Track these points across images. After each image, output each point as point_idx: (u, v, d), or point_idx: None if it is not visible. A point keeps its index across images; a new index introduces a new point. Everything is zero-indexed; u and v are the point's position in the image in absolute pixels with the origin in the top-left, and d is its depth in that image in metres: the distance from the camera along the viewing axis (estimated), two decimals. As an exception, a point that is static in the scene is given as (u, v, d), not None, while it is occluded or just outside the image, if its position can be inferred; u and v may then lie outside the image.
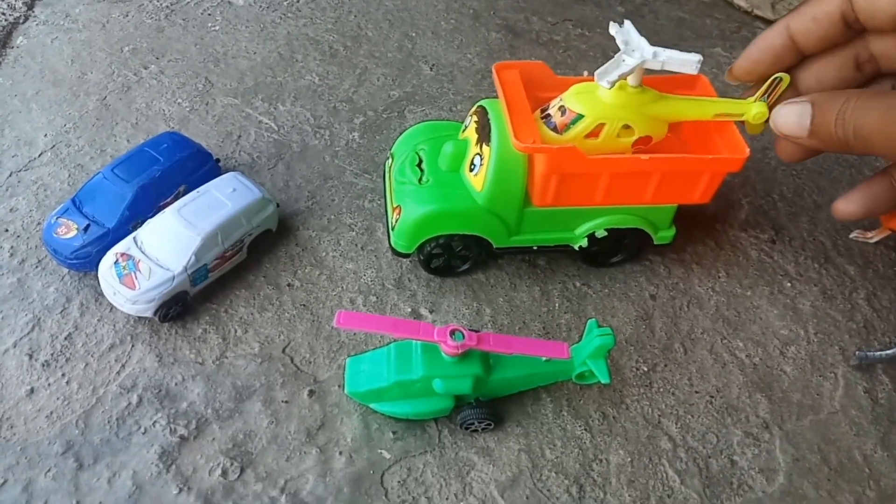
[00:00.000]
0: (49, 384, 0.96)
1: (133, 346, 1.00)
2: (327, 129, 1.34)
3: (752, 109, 0.92)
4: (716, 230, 1.20)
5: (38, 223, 1.15)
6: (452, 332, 0.83)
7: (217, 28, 1.58)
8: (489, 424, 0.92)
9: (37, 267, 1.09)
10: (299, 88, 1.43)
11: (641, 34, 0.88)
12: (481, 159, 0.98)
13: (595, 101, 0.92)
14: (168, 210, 1.04)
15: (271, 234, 1.13)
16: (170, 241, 1.01)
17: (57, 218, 1.07)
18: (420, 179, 1.04)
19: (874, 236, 1.18)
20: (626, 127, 0.92)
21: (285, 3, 1.64)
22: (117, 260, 1.00)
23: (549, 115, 0.95)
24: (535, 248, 1.08)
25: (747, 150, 0.94)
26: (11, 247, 1.11)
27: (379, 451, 0.91)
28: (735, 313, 1.08)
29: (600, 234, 1.05)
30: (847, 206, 0.85)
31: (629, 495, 0.89)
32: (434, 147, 1.06)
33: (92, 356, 0.99)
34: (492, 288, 1.10)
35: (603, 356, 0.88)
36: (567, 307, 1.08)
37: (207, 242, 1.01)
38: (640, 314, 1.07)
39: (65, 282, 1.07)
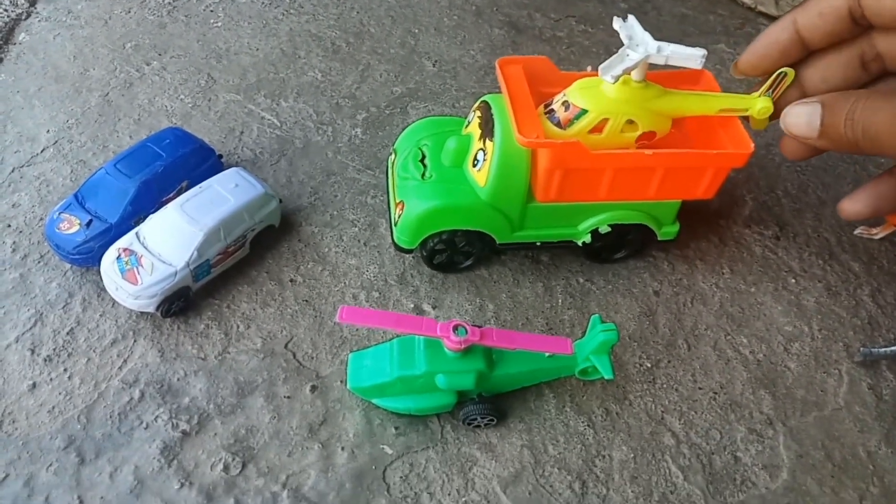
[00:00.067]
0: (51, 379, 0.96)
1: (135, 341, 1.00)
2: (330, 126, 1.34)
3: (757, 104, 0.92)
4: (720, 226, 1.19)
5: (41, 219, 1.14)
6: (455, 328, 0.83)
7: (219, 24, 1.57)
8: (492, 420, 0.92)
9: (39, 262, 1.09)
10: (302, 85, 1.42)
11: (645, 29, 0.88)
12: (484, 154, 0.98)
13: (599, 96, 0.91)
14: (170, 205, 1.03)
15: (274, 229, 1.12)
16: (172, 237, 1.01)
17: (59, 213, 1.06)
18: (423, 175, 1.03)
19: (879, 233, 1.17)
20: (630, 122, 0.92)
21: (287, 0, 1.64)
22: (120, 255, 1.00)
23: (552, 110, 0.95)
24: (538, 243, 1.08)
25: (752, 145, 0.94)
26: (14, 242, 1.11)
27: (381, 446, 0.91)
28: (739, 309, 1.07)
29: (604, 229, 1.05)
30: (853, 205, 0.85)
31: (632, 491, 0.89)
32: (437, 142, 1.06)
33: (94, 351, 0.99)
34: (495, 284, 1.09)
35: (606, 352, 0.88)
36: (570, 303, 1.07)
37: (210, 238, 1.01)
38: (643, 310, 1.07)
39: (67, 277, 1.07)
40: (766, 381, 0.99)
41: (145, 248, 1.00)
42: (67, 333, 1.00)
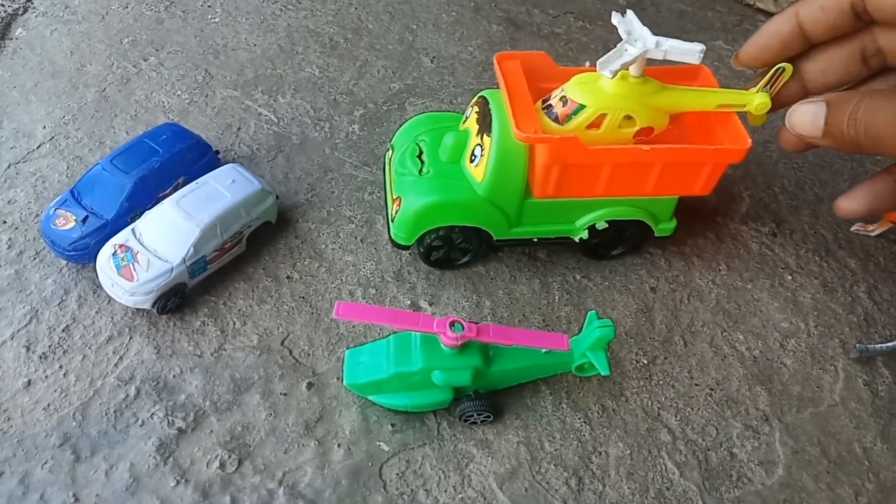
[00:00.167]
0: (46, 376, 0.95)
1: (131, 338, 1.00)
2: (327, 122, 1.33)
3: (755, 100, 0.92)
4: (717, 223, 1.19)
5: (37, 215, 1.14)
6: (452, 324, 0.83)
7: (217, 20, 1.57)
8: (488, 417, 0.92)
9: (35, 259, 1.08)
10: (299, 81, 1.42)
11: (643, 25, 0.88)
12: (482, 150, 0.98)
13: (597, 92, 0.91)
14: (167, 201, 1.03)
15: (270, 226, 1.12)
16: (168, 233, 1.00)
17: (55, 209, 1.06)
18: (420, 171, 1.03)
19: (875, 229, 1.17)
20: (628, 117, 0.92)
21: (285, -5, 1.64)
22: (115, 251, 1.00)
23: (550, 105, 0.94)
24: (535, 240, 1.08)
25: (749, 140, 0.94)
26: (9, 238, 1.11)
27: (377, 443, 0.91)
28: (735, 306, 1.07)
29: (601, 225, 1.04)
30: (850, 203, 0.85)
31: (628, 488, 0.89)
32: (435, 138, 1.05)
33: (90, 348, 0.98)
34: (491, 280, 1.09)
35: (603, 348, 0.88)
36: (567, 300, 1.07)
37: (206, 234, 1.01)
38: (640, 307, 1.07)
39: (63, 273, 1.07)
40: (762, 377, 0.99)
41: (141, 244, 1.00)
42: (63, 330, 1.00)
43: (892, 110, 0.70)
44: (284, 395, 0.95)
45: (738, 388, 0.98)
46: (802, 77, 0.87)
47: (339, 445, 0.91)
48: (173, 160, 1.10)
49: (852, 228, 1.18)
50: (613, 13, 0.89)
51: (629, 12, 0.89)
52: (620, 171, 0.97)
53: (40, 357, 0.97)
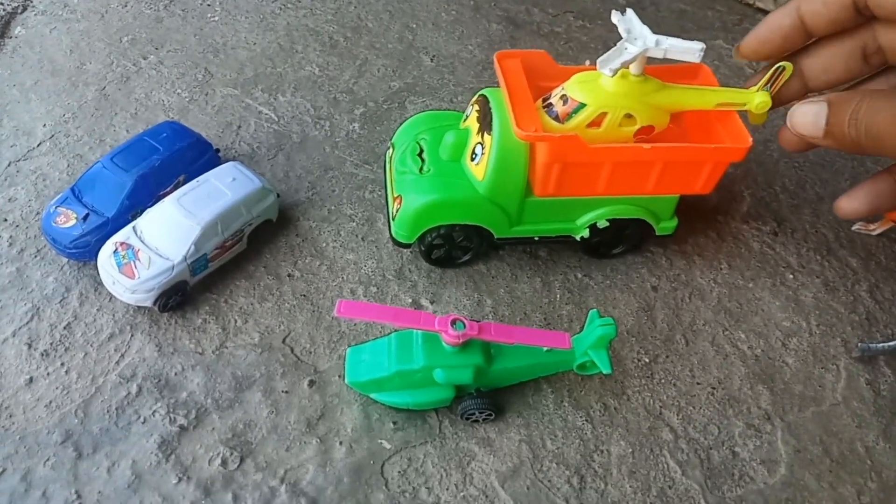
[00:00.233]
0: (48, 374, 0.95)
1: (132, 335, 1.00)
2: (327, 120, 1.33)
3: (755, 99, 0.92)
4: (718, 222, 1.19)
5: (37, 213, 1.14)
6: (453, 322, 0.83)
7: (216, 18, 1.57)
8: (490, 415, 0.92)
9: (36, 256, 1.08)
10: (299, 79, 1.42)
11: (644, 23, 0.88)
12: (483, 148, 0.98)
13: (597, 90, 0.91)
14: (168, 199, 1.03)
15: (271, 224, 1.12)
16: (169, 231, 1.00)
17: (56, 207, 1.06)
18: (421, 169, 1.03)
19: (877, 228, 1.17)
20: (629, 116, 0.92)
21: (285, -6, 1.64)
22: (117, 249, 0.99)
23: (550, 104, 0.94)
24: (536, 238, 1.08)
25: (750, 139, 0.94)
26: (10, 236, 1.11)
27: (379, 441, 0.91)
28: (737, 305, 1.07)
29: (602, 224, 1.04)
30: (850, 203, 0.85)
31: (630, 486, 0.89)
32: (435, 136, 1.05)
33: (91, 346, 0.98)
34: (493, 279, 1.09)
35: (605, 346, 0.88)
36: (568, 298, 1.07)
37: (207, 232, 1.01)
38: (641, 305, 1.07)
39: (64, 271, 1.07)
40: (763, 376, 0.99)
41: (142, 242, 1.00)
42: (64, 328, 1.00)
43: (893, 110, 0.70)
44: (286, 392, 0.95)
45: (739, 386, 0.98)
46: (803, 75, 0.87)
47: (340, 443, 0.91)
48: (174, 158, 1.10)
49: (853, 227, 1.18)
50: (613, 12, 0.89)
51: (629, 11, 0.89)
52: (621, 169, 0.97)
53: (42, 354, 0.97)
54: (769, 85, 0.91)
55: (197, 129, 1.19)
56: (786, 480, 0.90)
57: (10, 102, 1.35)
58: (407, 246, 1.06)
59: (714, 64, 1.48)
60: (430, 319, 0.83)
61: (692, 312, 1.06)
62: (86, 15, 1.56)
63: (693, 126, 1.03)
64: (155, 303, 0.99)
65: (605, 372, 0.87)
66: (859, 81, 0.87)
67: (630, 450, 0.92)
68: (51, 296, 1.03)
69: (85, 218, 1.04)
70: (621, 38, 0.87)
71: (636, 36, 0.87)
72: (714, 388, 0.98)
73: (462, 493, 0.87)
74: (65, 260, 1.07)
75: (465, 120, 1.06)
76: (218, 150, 1.19)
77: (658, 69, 0.97)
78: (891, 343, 1.00)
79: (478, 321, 0.84)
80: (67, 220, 1.04)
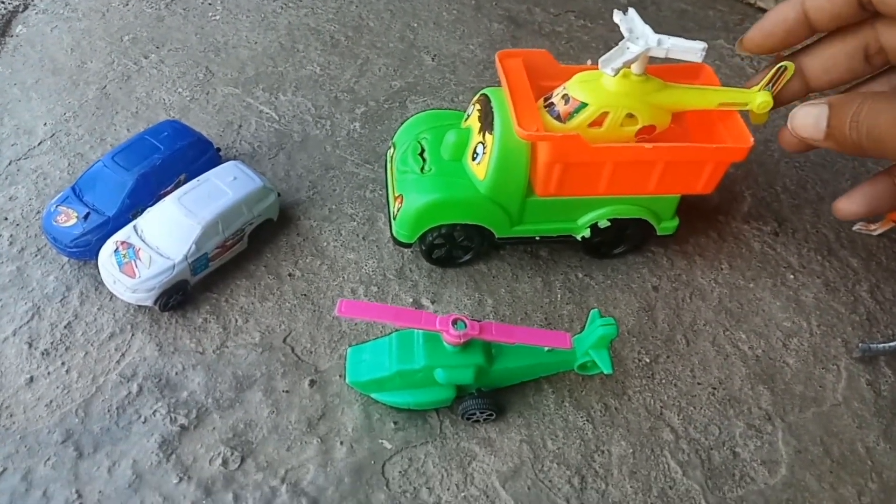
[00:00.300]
0: (49, 373, 0.95)
1: (133, 335, 1.00)
2: (328, 119, 1.33)
3: (757, 98, 0.92)
4: (718, 222, 1.19)
5: (38, 212, 1.14)
6: (455, 322, 0.83)
7: (217, 17, 1.57)
8: (491, 415, 0.92)
9: (36, 255, 1.08)
10: (300, 78, 1.42)
11: (646, 22, 0.88)
12: (484, 148, 0.98)
13: (599, 90, 0.91)
14: (168, 198, 1.03)
15: (272, 223, 1.12)
16: (170, 230, 1.00)
17: (57, 206, 1.06)
18: (422, 168, 1.03)
19: (877, 229, 1.17)
20: (630, 116, 0.92)
21: (286, -7, 1.64)
22: (117, 248, 0.99)
23: (552, 103, 0.94)
24: (537, 238, 1.07)
25: (751, 139, 0.94)
26: (11, 235, 1.11)
27: (380, 441, 0.91)
28: (738, 305, 1.07)
29: (603, 224, 1.04)
30: (848, 205, 0.85)
31: (631, 486, 0.89)
32: (436, 136, 1.05)
33: (92, 345, 0.98)
34: (493, 279, 1.09)
35: (606, 346, 0.88)
36: (569, 298, 1.07)
37: (208, 231, 1.01)
38: (642, 305, 1.07)
39: (64, 270, 1.06)
40: (764, 376, 0.99)
41: (143, 241, 1.00)
42: (65, 327, 1.00)
43: (894, 112, 0.70)
44: (287, 392, 0.95)
45: (740, 387, 0.98)
46: (805, 74, 0.87)
47: (341, 443, 0.90)
48: (174, 157, 1.10)
49: (854, 228, 1.18)
50: (615, 11, 0.89)
51: (631, 10, 0.89)
52: (622, 169, 0.97)
53: (42, 353, 0.97)
54: (771, 85, 0.91)
55: (198, 128, 1.19)
56: (786, 481, 0.90)
57: (10, 101, 1.35)
58: (408, 245, 1.06)
59: (715, 64, 1.48)
60: (432, 319, 0.83)
61: (693, 312, 1.06)
62: (87, 14, 1.56)
63: (694, 126, 1.03)
64: (156, 302, 0.99)
65: (605, 372, 0.87)
66: (861, 82, 0.87)
67: (631, 450, 0.91)
68: (51, 295, 1.03)
69: (86, 217, 1.04)
70: (623, 37, 0.87)
71: (638, 35, 0.86)
72: (715, 389, 0.98)
73: (463, 494, 0.87)
74: (65, 259, 1.07)
75: (466, 119, 1.06)
76: (219, 150, 1.19)
77: (660, 69, 0.97)
78: (891, 343, 1.00)
79: (479, 321, 0.84)
80: (68, 218, 1.04)
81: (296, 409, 0.93)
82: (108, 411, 0.92)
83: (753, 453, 0.92)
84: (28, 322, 1.00)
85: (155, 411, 0.92)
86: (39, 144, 1.26)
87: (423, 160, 1.04)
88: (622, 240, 1.10)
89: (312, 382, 0.96)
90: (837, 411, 0.96)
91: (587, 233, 1.06)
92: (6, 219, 1.13)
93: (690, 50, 0.85)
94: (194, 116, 1.32)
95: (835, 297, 1.09)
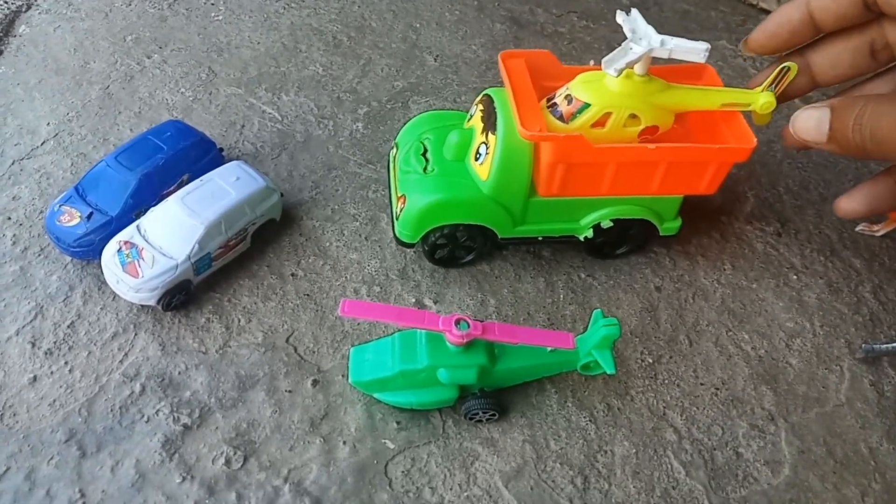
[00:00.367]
0: (52, 372, 0.95)
1: (136, 334, 1.00)
2: (331, 120, 1.33)
3: (760, 99, 0.92)
4: (721, 223, 1.19)
5: (41, 211, 1.14)
6: (458, 322, 0.83)
7: (220, 18, 1.57)
8: (493, 415, 0.92)
9: (39, 255, 1.08)
10: (303, 79, 1.42)
11: (648, 23, 0.88)
12: (487, 148, 0.98)
13: (602, 90, 0.91)
14: (171, 198, 1.03)
15: (275, 223, 1.12)
16: (173, 230, 1.00)
17: (60, 206, 1.06)
18: (425, 169, 1.03)
19: (880, 229, 1.17)
20: (633, 116, 0.92)
21: (289, -6, 1.64)
22: (120, 248, 0.99)
23: (555, 103, 0.94)
24: (540, 238, 1.07)
25: (754, 139, 0.94)
26: (14, 235, 1.11)
27: (383, 440, 0.91)
28: (740, 305, 1.07)
29: (606, 224, 1.04)
30: (850, 203, 0.85)
31: (634, 487, 0.89)
32: (439, 136, 1.05)
33: (95, 344, 0.98)
34: (496, 279, 1.09)
35: (609, 346, 0.88)
36: (572, 298, 1.07)
37: (211, 231, 1.01)
38: (645, 306, 1.07)
39: (67, 270, 1.07)
40: (767, 377, 0.99)
41: (146, 240, 1.00)
42: (68, 326, 1.00)
43: None
44: (289, 392, 0.95)
45: (743, 387, 0.98)
46: (811, 69, 0.87)
47: (344, 443, 0.91)
48: (177, 157, 1.10)
49: (857, 228, 1.18)
50: (618, 12, 0.89)
51: (634, 11, 0.89)
52: (625, 169, 0.97)
53: (45, 353, 0.97)
54: (774, 85, 0.91)
55: (201, 129, 1.19)
56: (790, 481, 0.90)
57: (14, 101, 1.35)
58: (410, 245, 1.06)
59: (718, 65, 1.48)
60: (435, 319, 0.83)
61: (696, 313, 1.06)
62: (90, 14, 1.56)
63: (697, 126, 1.03)
64: (158, 302, 0.99)
65: (608, 372, 0.87)
66: (861, 82, 0.87)
67: (634, 450, 0.91)
68: (54, 294, 1.03)
69: (89, 217, 1.04)
70: (626, 38, 0.87)
71: (641, 36, 0.86)
72: (718, 389, 0.98)
73: (466, 493, 0.87)
74: (68, 259, 1.08)
75: (469, 120, 1.06)
76: (221, 150, 1.19)
77: (663, 69, 0.97)
78: (894, 344, 1.00)
79: (482, 321, 0.84)
80: (71, 218, 1.04)
81: (298, 409, 0.93)
82: (112, 411, 0.92)
83: (756, 454, 0.92)
84: (31, 322, 1.00)
85: (158, 411, 0.92)
86: (43, 144, 1.26)
87: (426, 160, 1.04)
88: (625, 240, 1.10)
89: (315, 382, 0.96)
90: (840, 412, 0.96)
91: (590, 233, 1.06)
92: (9, 218, 1.13)
93: (693, 50, 0.85)
94: (197, 116, 1.33)
95: (838, 297, 1.09)
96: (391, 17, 1.59)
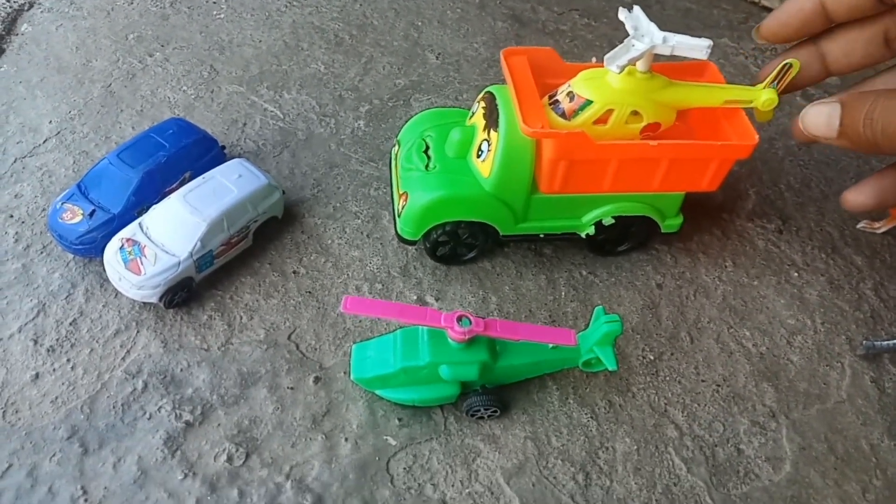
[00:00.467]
0: (54, 369, 0.95)
1: (138, 331, 1.00)
2: (333, 118, 1.33)
3: (762, 96, 0.92)
4: (723, 220, 1.19)
5: (43, 209, 1.14)
6: (459, 318, 0.83)
7: (222, 16, 1.57)
8: (495, 412, 0.92)
9: (42, 252, 1.09)
10: (305, 77, 1.42)
11: (651, 20, 0.88)
12: (489, 145, 0.98)
13: (604, 87, 0.91)
14: (174, 196, 1.03)
15: (277, 221, 1.12)
16: (175, 227, 1.00)
17: (62, 203, 1.06)
18: (427, 166, 1.03)
19: (882, 227, 1.18)
20: (635, 113, 0.92)
21: (290, -8, 1.64)
22: (123, 245, 1.00)
23: (557, 100, 0.94)
24: (541, 235, 1.08)
25: (756, 136, 0.94)
26: (16, 232, 1.11)
27: (384, 437, 0.91)
28: (742, 303, 1.07)
29: (608, 221, 1.04)
30: (857, 196, 0.85)
31: (635, 483, 0.89)
32: (441, 133, 1.05)
33: (97, 342, 0.98)
34: (498, 276, 1.09)
35: (610, 343, 0.88)
36: (573, 296, 1.07)
37: (213, 228, 1.01)
38: (646, 303, 1.07)
39: (70, 267, 1.07)
40: (768, 373, 0.99)
41: (148, 238, 1.00)
42: (70, 324, 1.00)
43: None
44: (291, 389, 0.95)
45: (744, 384, 0.98)
46: (825, 58, 0.87)
47: (346, 440, 0.91)
48: (180, 155, 1.10)
49: (858, 226, 1.18)
50: (620, 9, 0.89)
51: (636, 8, 0.90)
52: (627, 166, 0.97)
53: (48, 350, 0.97)
54: (776, 82, 0.91)
55: (203, 126, 1.19)
56: (791, 478, 0.90)
57: (16, 99, 1.35)
58: (412, 243, 1.06)
59: (720, 62, 1.48)
60: (437, 316, 0.83)
61: (697, 310, 1.06)
62: (92, 12, 1.57)
63: (699, 123, 1.03)
64: (161, 299, 0.99)
65: (610, 369, 0.87)
66: (874, 75, 0.87)
67: (635, 447, 0.92)
68: (56, 292, 1.04)
69: (91, 214, 1.04)
70: (627, 35, 0.87)
71: (643, 33, 0.87)
72: (719, 386, 0.98)
73: (467, 490, 0.87)
74: (71, 256, 1.08)
75: (471, 117, 1.06)
76: (224, 147, 1.19)
77: (665, 66, 0.97)
78: (895, 341, 1.00)
79: (483, 318, 0.84)
80: (73, 216, 1.04)
81: (300, 406, 0.93)
82: (114, 408, 0.92)
83: (758, 450, 0.92)
84: (33, 319, 1.00)
85: (160, 408, 0.92)
86: (45, 142, 1.26)
87: (428, 158, 1.04)
88: (626, 237, 1.10)
89: (317, 379, 0.96)
90: (842, 408, 0.96)
91: (591, 230, 1.06)
92: (12, 216, 1.13)
93: (696, 47, 0.85)
94: (199, 114, 1.33)
95: (839, 294, 1.09)
96: (393, 15, 1.59)
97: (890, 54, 0.83)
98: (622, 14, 0.89)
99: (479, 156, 1.00)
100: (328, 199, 1.19)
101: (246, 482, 0.87)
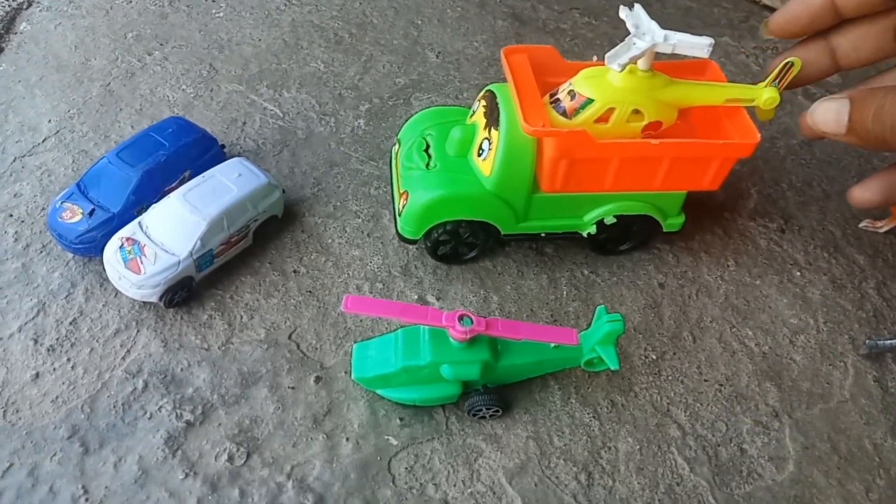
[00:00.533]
0: (54, 369, 0.95)
1: (138, 331, 0.99)
2: (333, 116, 1.33)
3: (763, 94, 0.92)
4: (724, 219, 1.19)
5: (43, 208, 1.14)
6: (461, 318, 0.82)
7: (221, 15, 1.57)
8: (497, 411, 0.91)
9: (41, 252, 1.08)
10: (304, 75, 1.42)
11: (651, 18, 0.87)
12: (490, 144, 0.97)
13: (605, 86, 0.91)
14: (173, 195, 1.03)
15: (277, 220, 1.12)
16: (175, 226, 1.00)
17: (62, 202, 1.06)
18: (427, 165, 1.03)
19: (884, 226, 1.17)
20: (636, 112, 0.92)
21: (290, -10, 1.64)
22: (122, 244, 0.99)
23: (558, 99, 0.94)
24: (542, 234, 1.07)
25: (758, 135, 0.94)
26: (16, 232, 1.11)
27: (386, 437, 0.91)
28: (744, 302, 1.07)
29: (609, 220, 1.04)
30: (863, 193, 0.84)
31: (638, 483, 0.88)
32: (442, 132, 1.05)
33: (97, 341, 0.98)
34: (499, 275, 1.09)
35: (612, 342, 0.88)
36: (575, 295, 1.07)
37: (213, 227, 1.01)
38: (648, 302, 1.06)
39: (69, 267, 1.06)
40: (771, 373, 0.99)
41: (148, 237, 1.00)
42: (70, 323, 1.00)
43: None
44: (292, 388, 0.95)
45: (747, 383, 0.98)
46: (834, 52, 0.86)
47: (347, 439, 0.90)
48: (179, 154, 1.10)
49: (861, 225, 1.18)
50: (621, 7, 0.89)
51: (637, 6, 0.89)
52: (629, 165, 0.97)
53: (48, 350, 0.97)
54: (777, 81, 0.91)
55: (202, 125, 1.18)
56: (794, 477, 0.90)
57: (15, 98, 1.34)
58: (413, 242, 1.06)
59: (721, 61, 1.48)
60: (438, 315, 0.83)
61: (699, 309, 1.06)
62: (91, 11, 1.56)
63: (701, 122, 1.03)
64: (161, 298, 0.99)
65: (612, 368, 0.87)
66: (882, 72, 0.87)
67: (638, 446, 0.91)
68: (56, 291, 1.03)
69: (91, 213, 1.04)
70: (628, 34, 0.87)
71: (644, 31, 0.86)
72: (721, 385, 0.97)
73: (469, 490, 0.87)
74: (70, 255, 1.07)
75: (471, 115, 1.05)
76: (223, 146, 1.19)
77: (666, 65, 0.97)
78: (899, 340, 1.00)
79: (485, 317, 0.84)
80: (73, 215, 1.04)
81: (301, 406, 0.93)
82: (114, 407, 0.92)
83: (761, 450, 0.92)
84: (33, 318, 1.00)
85: (160, 407, 0.92)
86: (44, 141, 1.26)
87: (429, 156, 1.04)
88: (628, 236, 1.09)
89: (318, 379, 0.96)
90: (844, 408, 0.96)
91: (593, 229, 1.05)
92: (11, 216, 1.13)
93: (697, 46, 0.85)
94: (198, 113, 1.32)
95: (841, 293, 1.09)
96: (392, 13, 1.59)
97: None
98: (623, 12, 0.88)
99: (479, 154, 1.00)
100: (328, 198, 1.18)
101: (247, 482, 0.87)
